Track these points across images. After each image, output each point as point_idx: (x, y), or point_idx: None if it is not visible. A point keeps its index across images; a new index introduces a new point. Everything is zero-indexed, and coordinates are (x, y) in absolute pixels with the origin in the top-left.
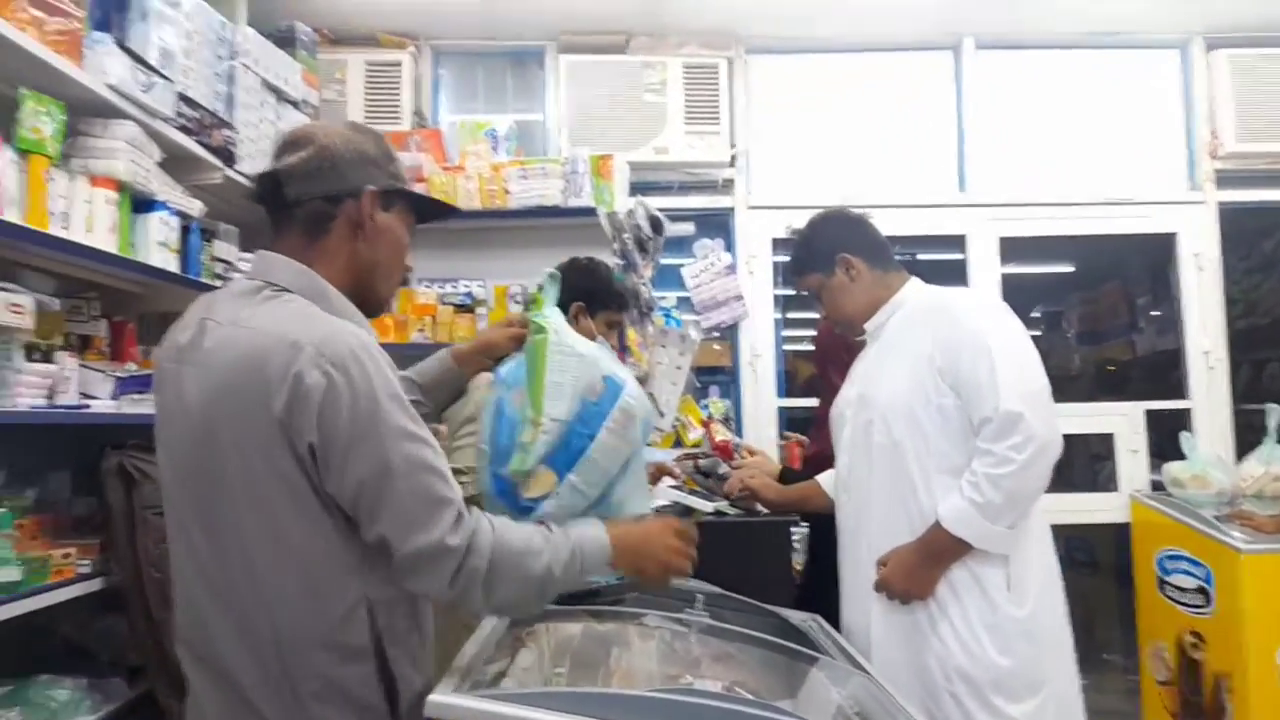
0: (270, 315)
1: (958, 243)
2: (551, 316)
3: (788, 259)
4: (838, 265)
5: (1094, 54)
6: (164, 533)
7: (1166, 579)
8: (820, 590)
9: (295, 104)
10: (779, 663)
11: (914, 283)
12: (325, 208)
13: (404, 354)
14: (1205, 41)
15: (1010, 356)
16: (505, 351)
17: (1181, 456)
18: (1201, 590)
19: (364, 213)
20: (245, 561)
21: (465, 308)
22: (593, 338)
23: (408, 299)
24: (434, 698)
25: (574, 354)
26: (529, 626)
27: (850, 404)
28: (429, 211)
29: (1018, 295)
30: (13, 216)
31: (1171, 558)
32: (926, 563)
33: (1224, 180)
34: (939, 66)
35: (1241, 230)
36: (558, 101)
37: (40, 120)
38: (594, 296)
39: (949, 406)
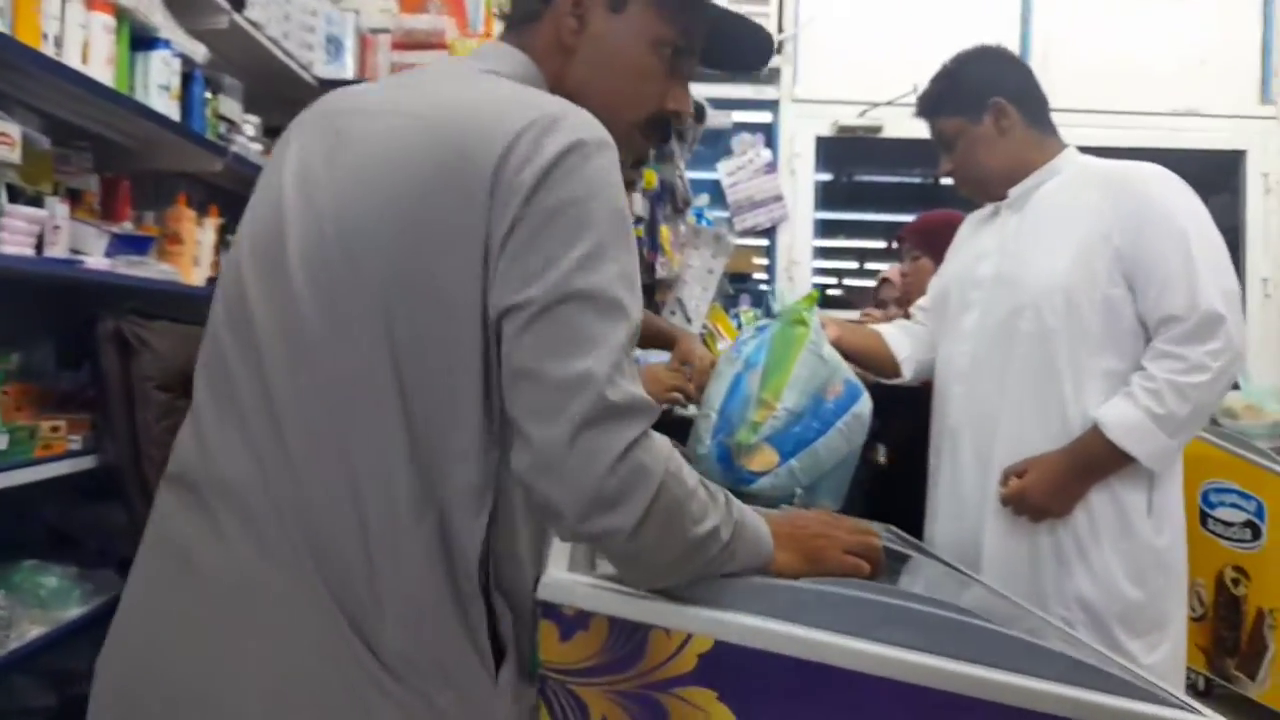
0: (501, 85)
1: None
2: (815, 317)
3: (924, 95)
4: (989, 111)
5: None
6: (166, 407)
7: (1211, 513)
8: (890, 498)
9: None
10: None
11: (1071, 150)
12: (532, 4)
13: None
14: None
15: (1209, 246)
16: None
17: (1234, 386)
18: (1250, 524)
19: (567, 13)
20: (377, 364)
21: None
22: None
23: None
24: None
25: (821, 356)
26: None
27: (980, 284)
28: (729, 43)
29: None
30: None
31: (1219, 490)
32: (1076, 476)
33: None
34: None
35: None
36: None
37: None
38: None
39: (1117, 299)
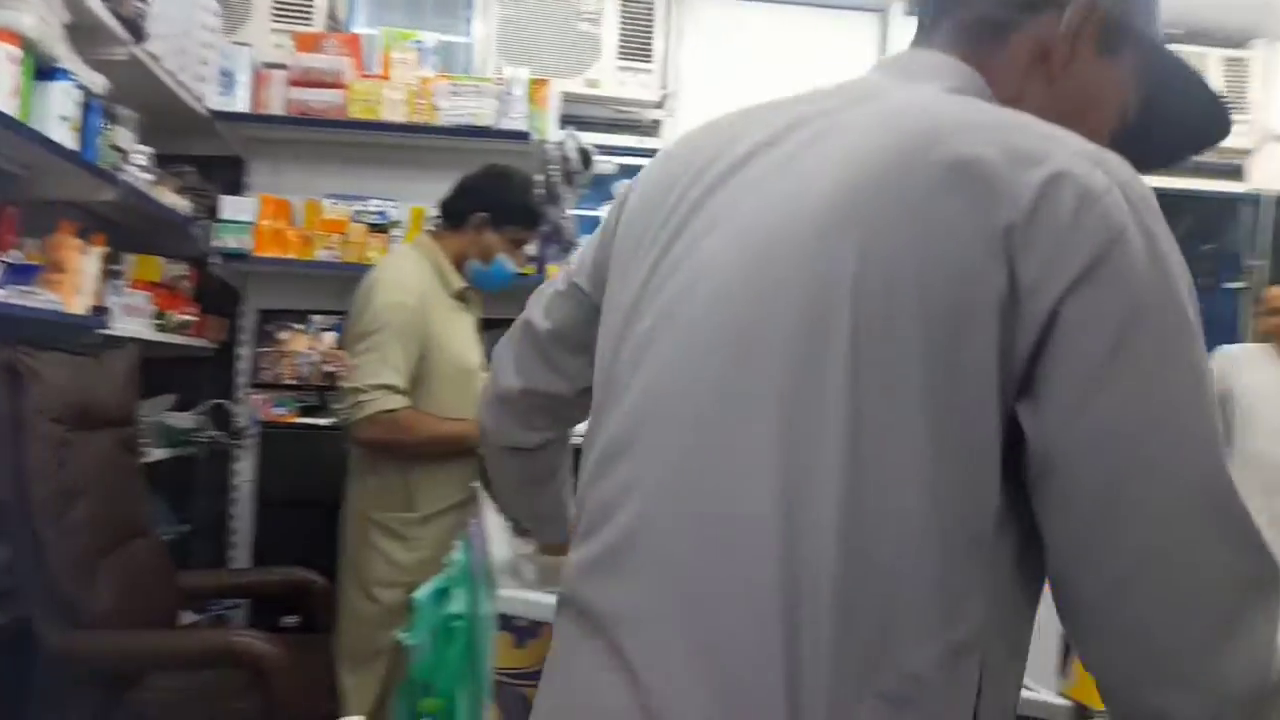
0: (985, 106)
1: None
2: None
3: None
4: None
5: None
6: (58, 440)
7: None
8: None
9: None
10: None
11: None
12: (1006, 12)
13: (309, 272)
14: None
15: None
16: None
17: None
18: None
19: (1060, 37)
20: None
21: (379, 228)
22: (492, 253)
23: (313, 212)
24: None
25: None
26: None
27: None
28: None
29: None
30: None
31: None
32: None
33: None
34: (866, 29)
35: None
36: (485, 22)
37: None
38: (503, 209)
39: None
